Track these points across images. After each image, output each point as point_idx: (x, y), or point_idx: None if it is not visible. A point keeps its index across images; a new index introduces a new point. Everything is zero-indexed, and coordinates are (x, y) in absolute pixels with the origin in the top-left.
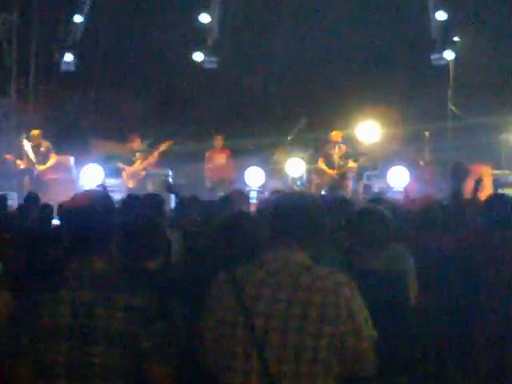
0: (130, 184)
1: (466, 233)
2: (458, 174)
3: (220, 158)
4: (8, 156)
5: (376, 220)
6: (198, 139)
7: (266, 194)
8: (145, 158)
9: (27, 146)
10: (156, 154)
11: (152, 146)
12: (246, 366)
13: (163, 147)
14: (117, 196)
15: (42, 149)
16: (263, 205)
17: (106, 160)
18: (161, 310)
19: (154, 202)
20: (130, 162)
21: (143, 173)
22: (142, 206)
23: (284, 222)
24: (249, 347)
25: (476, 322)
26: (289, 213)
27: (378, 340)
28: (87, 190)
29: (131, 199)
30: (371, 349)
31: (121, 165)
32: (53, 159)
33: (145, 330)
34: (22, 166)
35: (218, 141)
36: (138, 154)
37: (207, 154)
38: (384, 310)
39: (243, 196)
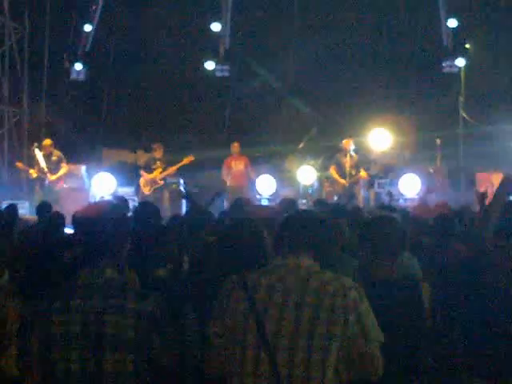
0: (146, 191)
1: (481, 240)
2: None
3: (239, 165)
4: (19, 164)
5: (390, 228)
6: (209, 147)
7: (276, 202)
8: (165, 168)
9: (39, 154)
10: (176, 167)
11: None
12: (256, 370)
13: (185, 162)
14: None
15: (54, 158)
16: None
17: (118, 169)
18: (171, 315)
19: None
20: (150, 170)
21: (161, 182)
22: (148, 214)
23: (292, 231)
24: (260, 351)
25: (492, 330)
26: (296, 223)
27: (392, 346)
28: (100, 200)
29: (144, 207)
30: (379, 352)
31: (141, 171)
32: (64, 169)
33: (156, 335)
34: (34, 175)
35: (235, 148)
36: (158, 163)
37: (225, 161)
38: (400, 317)
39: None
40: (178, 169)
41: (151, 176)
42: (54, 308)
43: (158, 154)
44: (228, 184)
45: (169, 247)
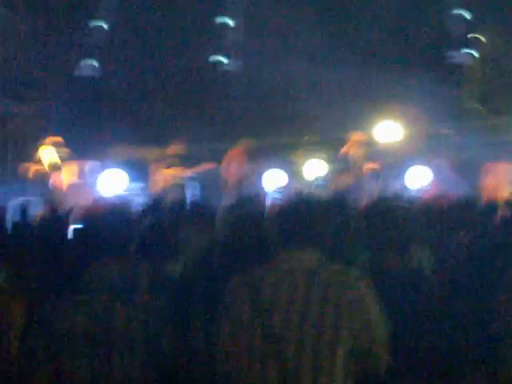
0: (159, 187)
1: (487, 232)
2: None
3: (243, 161)
4: (26, 165)
5: (402, 219)
6: (216, 141)
7: (287, 195)
8: (183, 167)
9: (45, 152)
10: (195, 170)
11: None
12: (264, 365)
13: (205, 168)
14: (139, 199)
15: (60, 155)
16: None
17: (126, 165)
18: (179, 311)
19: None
20: (163, 166)
21: (173, 181)
22: (162, 209)
23: (293, 223)
24: (267, 346)
25: (497, 322)
26: (297, 213)
27: (402, 338)
28: (107, 197)
29: (157, 203)
30: (384, 344)
31: (153, 167)
32: (70, 165)
33: (165, 330)
34: (39, 172)
35: (246, 145)
36: (172, 160)
37: (230, 154)
38: (408, 308)
39: (258, 198)
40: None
41: (165, 173)
42: (60, 305)
43: (174, 150)
44: (230, 178)
45: (177, 241)
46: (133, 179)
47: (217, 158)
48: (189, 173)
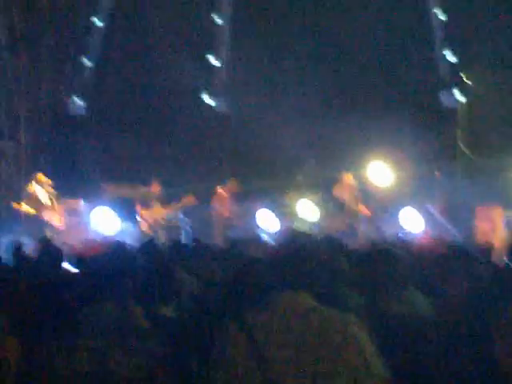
0: (145, 228)
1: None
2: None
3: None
4: (16, 204)
5: (394, 263)
6: (207, 181)
7: (281, 238)
8: (166, 207)
9: (39, 190)
10: (178, 206)
11: None
12: None
13: (185, 203)
14: (128, 240)
15: (47, 194)
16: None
17: (117, 204)
18: (176, 354)
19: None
20: (147, 206)
21: (162, 221)
22: (156, 252)
23: (288, 266)
24: None
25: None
26: (292, 257)
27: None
28: (103, 238)
29: (150, 245)
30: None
31: (138, 208)
32: (57, 204)
33: (161, 374)
34: (32, 212)
35: (233, 185)
36: (156, 200)
37: (220, 194)
38: (404, 353)
39: (256, 241)
40: (178, 209)
41: (149, 213)
42: (57, 348)
43: (156, 189)
44: (223, 216)
45: (173, 284)
46: (122, 218)
47: (207, 198)
48: (171, 211)
